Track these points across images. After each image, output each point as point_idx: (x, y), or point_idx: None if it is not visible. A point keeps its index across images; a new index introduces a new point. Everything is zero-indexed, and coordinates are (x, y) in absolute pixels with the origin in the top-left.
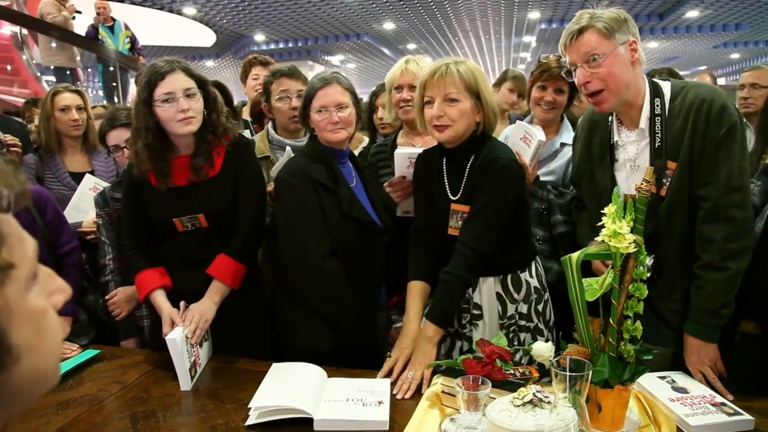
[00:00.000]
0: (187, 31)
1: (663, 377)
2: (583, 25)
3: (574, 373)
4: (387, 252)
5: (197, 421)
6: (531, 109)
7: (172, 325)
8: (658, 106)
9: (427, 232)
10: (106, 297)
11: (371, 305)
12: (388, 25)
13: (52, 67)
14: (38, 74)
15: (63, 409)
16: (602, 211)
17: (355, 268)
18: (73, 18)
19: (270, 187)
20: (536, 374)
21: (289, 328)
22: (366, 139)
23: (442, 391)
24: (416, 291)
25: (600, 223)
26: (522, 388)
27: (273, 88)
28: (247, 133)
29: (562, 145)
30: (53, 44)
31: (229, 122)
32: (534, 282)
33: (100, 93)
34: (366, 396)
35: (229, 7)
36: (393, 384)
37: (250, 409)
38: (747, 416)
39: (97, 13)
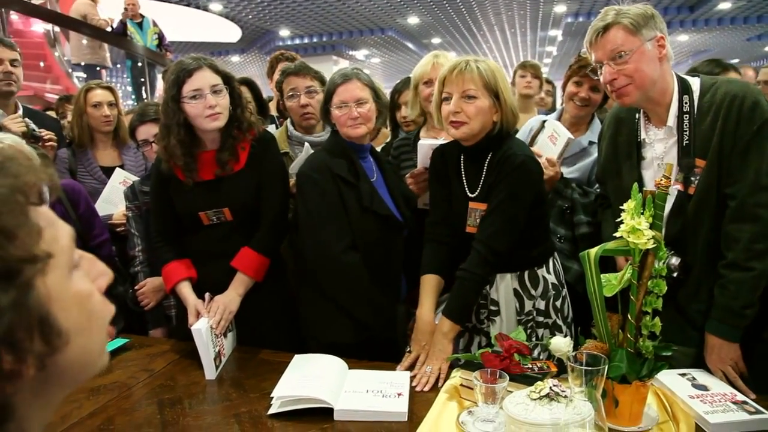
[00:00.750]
0: (213, 27)
1: (683, 374)
2: (609, 21)
3: (588, 367)
4: (407, 245)
5: (221, 408)
6: (563, 104)
7: (198, 315)
8: (686, 103)
9: (441, 225)
10: (135, 287)
11: (390, 298)
12: (413, 20)
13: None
14: (69, 70)
15: (94, 395)
16: (621, 207)
17: (374, 262)
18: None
19: (291, 181)
20: (554, 369)
21: (310, 319)
22: (390, 134)
23: (461, 384)
24: (429, 284)
25: (619, 219)
26: (539, 382)
27: (284, 87)
28: (272, 128)
29: (591, 143)
30: (84, 41)
31: (253, 117)
32: (552, 278)
33: (129, 89)
34: (386, 387)
35: (255, 3)
36: (413, 378)
37: (272, 398)
38: None
39: (125, 9)
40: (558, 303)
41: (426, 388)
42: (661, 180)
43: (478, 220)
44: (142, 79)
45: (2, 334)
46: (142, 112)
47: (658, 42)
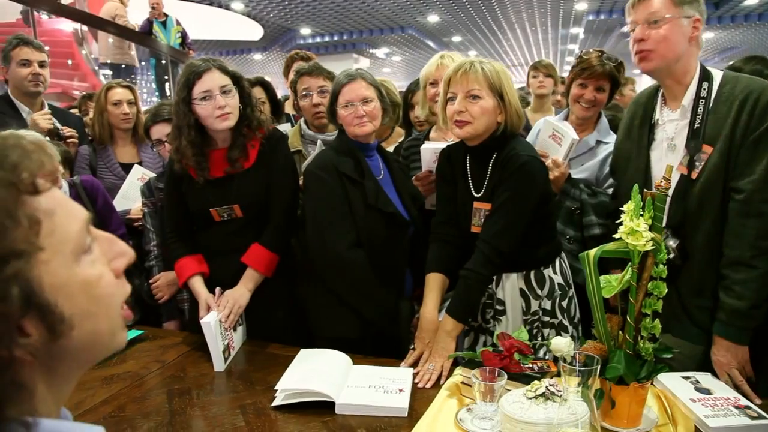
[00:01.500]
0: (235, 25)
1: (687, 377)
2: None
3: (579, 367)
4: (414, 243)
5: (228, 400)
6: (569, 105)
7: (208, 309)
8: (704, 89)
9: (447, 225)
10: (150, 281)
11: (394, 294)
12: (433, 18)
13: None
14: (96, 68)
15: (107, 384)
16: (621, 209)
17: (379, 258)
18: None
19: (302, 179)
20: (554, 368)
21: (315, 314)
22: (404, 134)
23: (462, 382)
24: (433, 283)
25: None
26: (535, 381)
27: (298, 87)
28: (288, 126)
29: (598, 142)
30: (110, 40)
31: (263, 116)
32: (558, 278)
33: (153, 86)
34: (388, 383)
35: (276, 2)
36: (415, 374)
37: (276, 391)
38: None
39: (152, 8)
40: (564, 303)
41: (428, 385)
42: (661, 182)
43: (482, 220)
44: (166, 77)
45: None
46: (155, 112)
47: (694, 23)
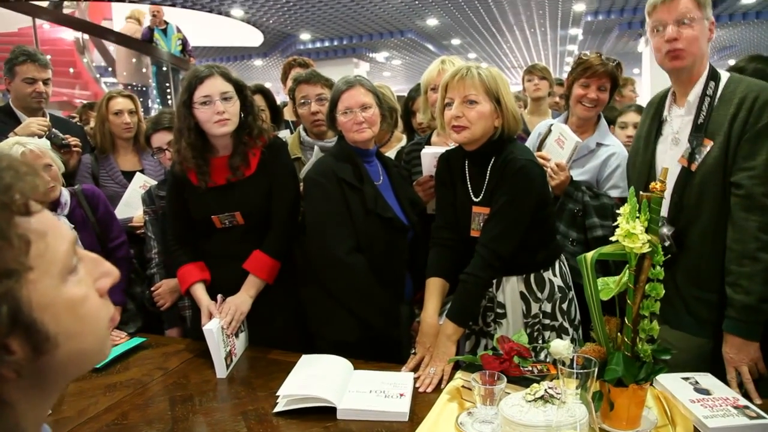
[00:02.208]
0: (235, 32)
1: (687, 378)
2: None
3: (576, 370)
4: (414, 247)
5: (230, 406)
6: (571, 107)
7: (210, 316)
8: (710, 87)
9: (447, 229)
10: (152, 288)
11: (394, 299)
12: (432, 21)
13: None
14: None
15: (110, 391)
16: (617, 212)
17: (379, 263)
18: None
19: (302, 186)
20: (554, 371)
21: (315, 318)
22: (405, 138)
23: (462, 386)
24: (434, 287)
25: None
26: (534, 384)
27: (296, 95)
28: (287, 133)
29: (598, 145)
30: (133, 60)
31: (264, 124)
32: (558, 281)
33: (154, 93)
34: (389, 388)
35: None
36: (416, 379)
37: (278, 396)
38: None
39: (153, 16)
40: (565, 306)
41: (429, 389)
42: (657, 184)
43: (481, 224)
44: (167, 84)
45: None
46: (156, 120)
47: (710, 25)
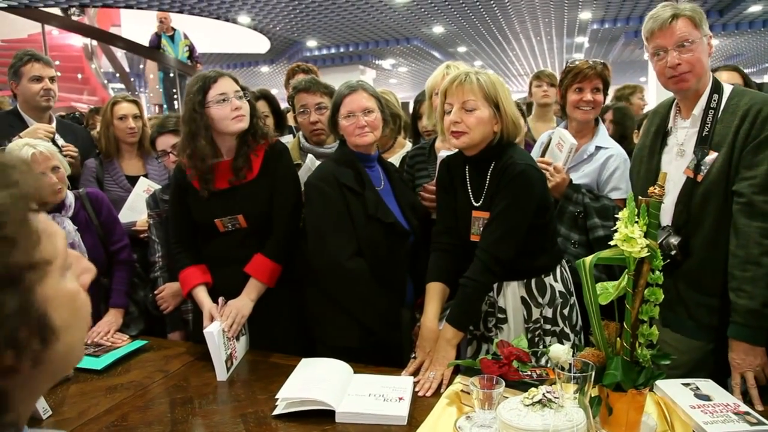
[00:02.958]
0: (242, 38)
1: (687, 384)
2: (677, 12)
3: (573, 374)
4: (415, 253)
5: (229, 409)
6: (568, 114)
7: (212, 319)
8: (714, 100)
9: (447, 234)
10: (155, 292)
11: (395, 304)
12: (437, 29)
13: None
14: (105, 82)
15: (111, 393)
16: (616, 216)
17: (380, 268)
18: None
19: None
20: (553, 376)
21: (316, 322)
22: (408, 144)
23: (461, 390)
24: (434, 292)
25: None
26: (532, 388)
27: (295, 103)
28: (289, 138)
29: (597, 148)
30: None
31: (267, 128)
32: (559, 286)
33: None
34: (388, 392)
35: (282, 15)
36: (416, 383)
37: (277, 399)
38: None
39: (161, 22)
40: (566, 311)
41: (428, 394)
42: (656, 189)
43: (481, 228)
44: (174, 90)
45: (7, 335)
46: (162, 123)
47: (708, 39)
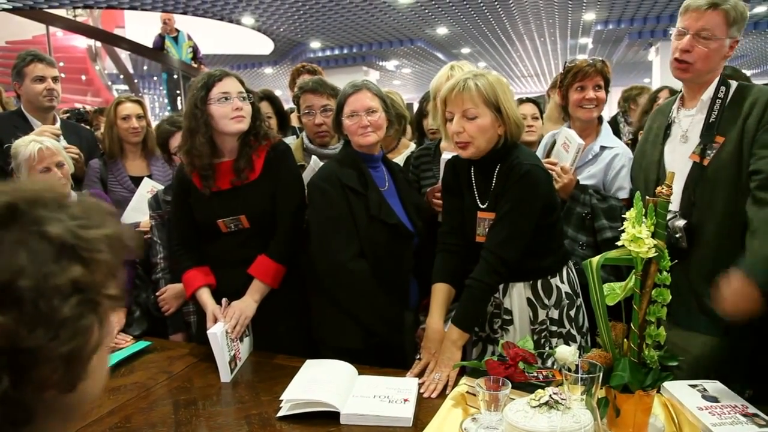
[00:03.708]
0: (246, 40)
1: (694, 385)
2: (717, 1)
3: (579, 375)
4: (420, 254)
5: (233, 410)
6: (571, 114)
7: (215, 320)
8: (722, 91)
9: (453, 235)
10: (157, 293)
11: (398, 305)
12: (441, 30)
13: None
14: (109, 83)
15: (114, 394)
16: (623, 216)
17: (383, 269)
18: None
19: None
20: (559, 377)
21: (320, 324)
22: (413, 145)
23: (467, 392)
24: (439, 293)
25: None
26: (539, 390)
27: (300, 103)
28: (293, 139)
29: (602, 148)
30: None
31: (269, 129)
32: (565, 287)
33: (165, 100)
34: (393, 393)
35: (286, 16)
36: (421, 384)
37: (282, 401)
38: None
39: (164, 23)
40: (572, 312)
41: (433, 395)
42: (663, 188)
43: (487, 230)
44: (178, 92)
45: (71, 348)
46: (172, 122)
47: (732, 44)
